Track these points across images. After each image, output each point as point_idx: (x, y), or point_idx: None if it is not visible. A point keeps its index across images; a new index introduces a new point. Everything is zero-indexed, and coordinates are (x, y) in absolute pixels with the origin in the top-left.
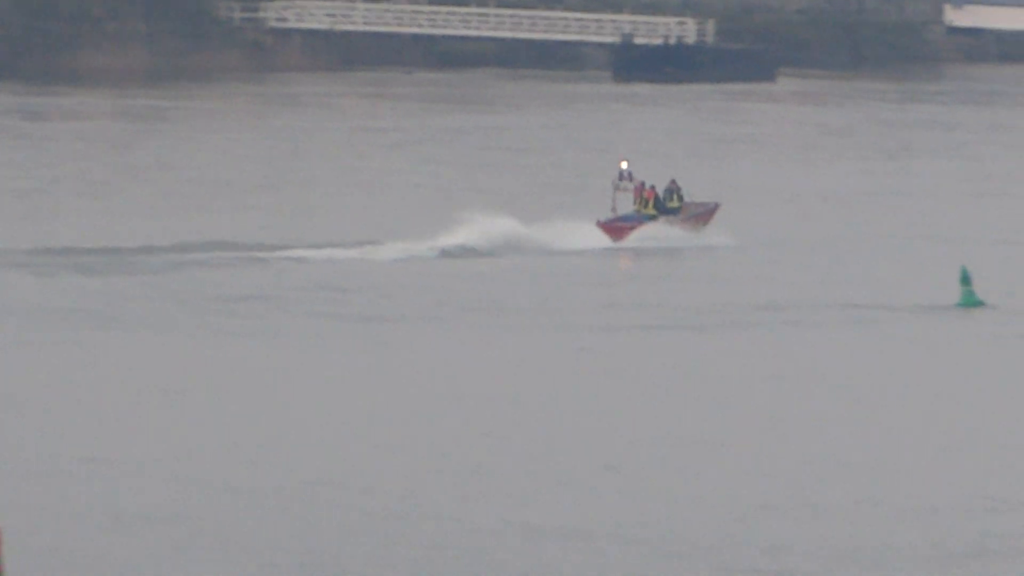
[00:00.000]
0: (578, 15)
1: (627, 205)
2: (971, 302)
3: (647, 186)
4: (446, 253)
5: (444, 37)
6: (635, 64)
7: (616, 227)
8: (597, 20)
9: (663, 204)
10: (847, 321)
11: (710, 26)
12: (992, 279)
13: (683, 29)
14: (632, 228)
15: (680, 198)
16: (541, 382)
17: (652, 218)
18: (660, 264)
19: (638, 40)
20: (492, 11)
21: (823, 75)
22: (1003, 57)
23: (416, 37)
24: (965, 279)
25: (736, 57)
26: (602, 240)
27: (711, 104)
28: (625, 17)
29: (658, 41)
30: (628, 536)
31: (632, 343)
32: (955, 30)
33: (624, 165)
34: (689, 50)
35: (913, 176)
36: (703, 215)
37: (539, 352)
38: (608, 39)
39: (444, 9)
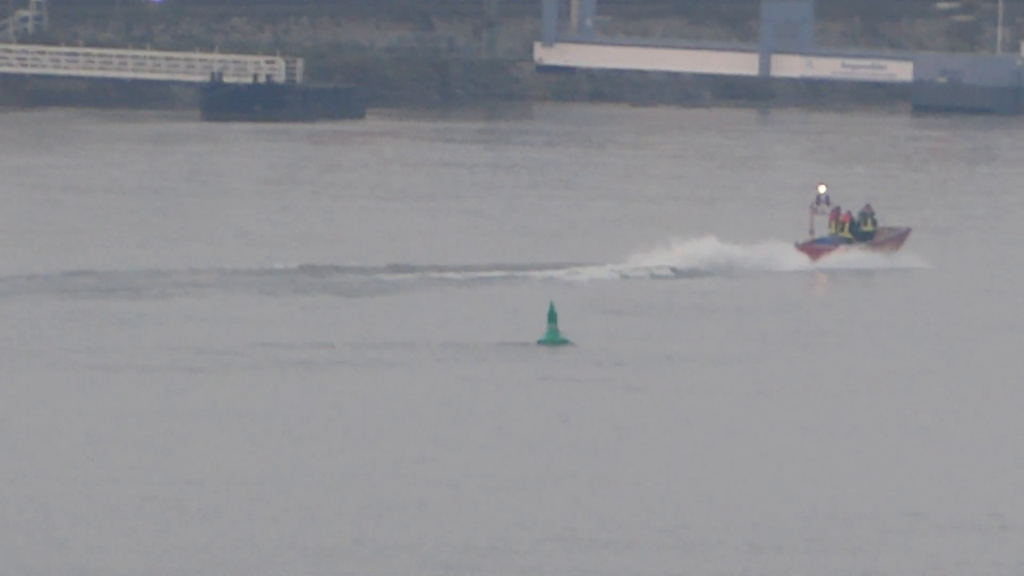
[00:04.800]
0: (168, 54)
1: (824, 228)
2: (554, 339)
3: (843, 210)
4: (654, 275)
5: (33, 76)
6: (225, 103)
7: (814, 249)
8: (187, 59)
9: (858, 227)
10: (426, 359)
11: (299, 65)
12: (580, 318)
13: (272, 68)
14: (829, 251)
15: (874, 222)
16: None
17: (848, 241)
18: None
19: (228, 79)
20: (81, 50)
21: (412, 113)
22: (594, 96)
23: (5, 76)
24: (552, 317)
25: (325, 95)
26: (804, 262)
27: (294, 144)
28: (215, 56)
29: (248, 80)
30: None
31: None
32: (545, 68)
33: (822, 189)
34: (278, 89)
35: (492, 215)
36: (896, 239)
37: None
38: (198, 78)
39: (33, 48)
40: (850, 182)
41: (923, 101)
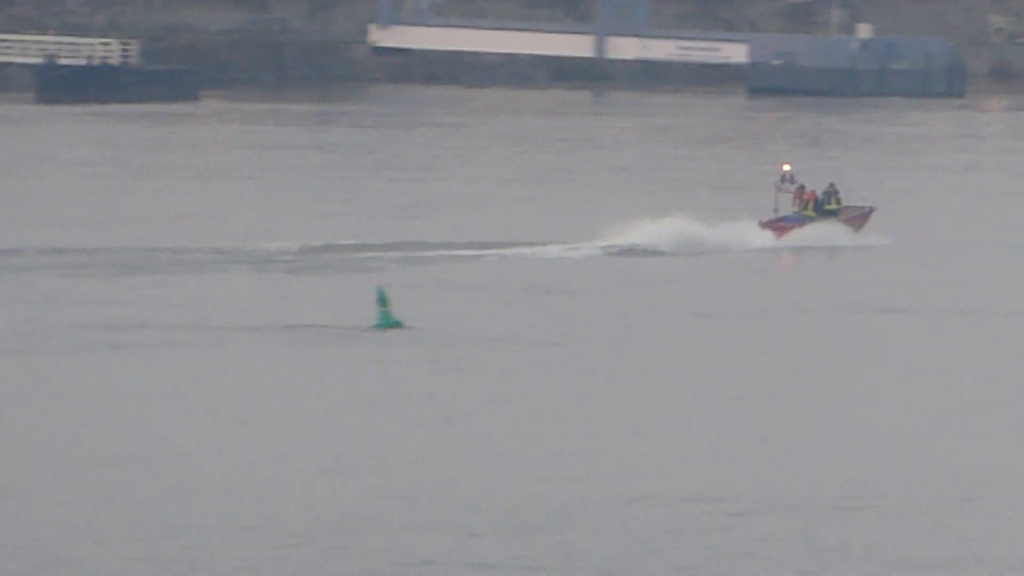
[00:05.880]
0: (2, 36)
1: (788, 206)
2: (388, 323)
3: (807, 189)
4: (624, 252)
5: None
6: (59, 85)
7: (778, 227)
8: (21, 41)
9: (822, 206)
10: (263, 340)
11: (134, 47)
12: (412, 300)
13: (107, 50)
14: (793, 228)
15: (838, 200)
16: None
17: (811, 219)
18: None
19: (62, 61)
20: None
21: (247, 95)
22: (430, 77)
23: None
24: (382, 300)
25: (160, 77)
26: (768, 240)
27: (127, 126)
28: (49, 38)
29: (82, 62)
30: None
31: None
32: (381, 50)
33: (786, 168)
34: (114, 71)
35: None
36: (859, 217)
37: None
38: (32, 60)
39: None
40: (684, 165)
41: (759, 83)
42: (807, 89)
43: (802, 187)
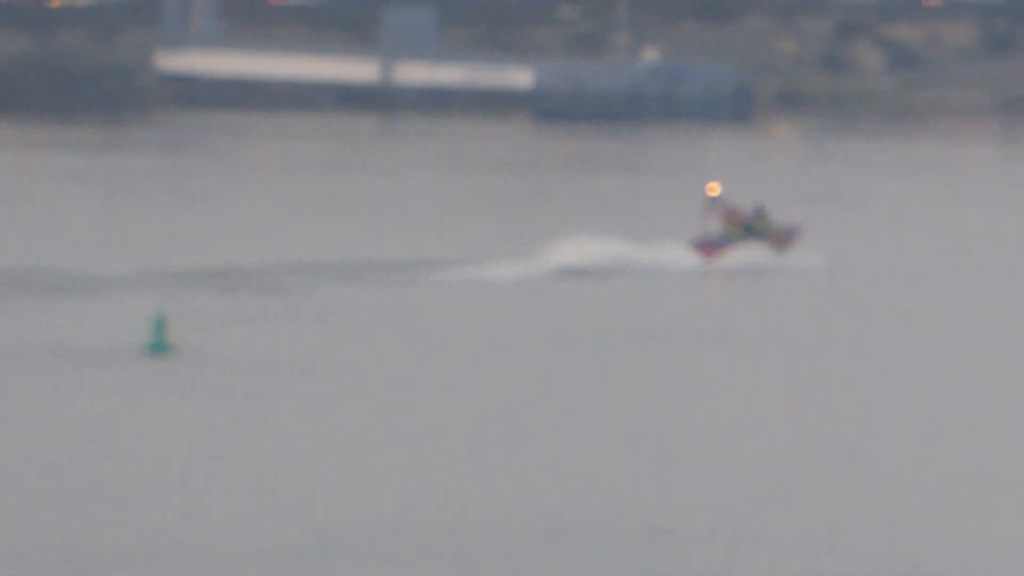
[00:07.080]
0: None
1: (717, 227)
2: (161, 348)
3: (737, 210)
4: (545, 275)
5: None
6: None
7: (707, 247)
8: None
9: (751, 227)
10: (29, 364)
11: None
12: (190, 325)
13: None
14: (722, 249)
15: (767, 221)
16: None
17: (740, 240)
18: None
19: None
20: None
21: (32, 121)
22: (217, 103)
23: None
24: (159, 326)
25: None
26: (697, 260)
27: None
28: None
29: None
30: None
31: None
32: (167, 76)
33: (715, 189)
34: None
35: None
36: (787, 238)
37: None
38: None
39: None
40: (468, 189)
41: (545, 108)
42: (594, 114)
43: (731, 208)
